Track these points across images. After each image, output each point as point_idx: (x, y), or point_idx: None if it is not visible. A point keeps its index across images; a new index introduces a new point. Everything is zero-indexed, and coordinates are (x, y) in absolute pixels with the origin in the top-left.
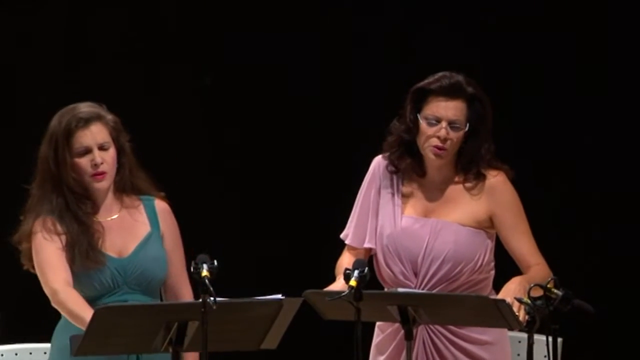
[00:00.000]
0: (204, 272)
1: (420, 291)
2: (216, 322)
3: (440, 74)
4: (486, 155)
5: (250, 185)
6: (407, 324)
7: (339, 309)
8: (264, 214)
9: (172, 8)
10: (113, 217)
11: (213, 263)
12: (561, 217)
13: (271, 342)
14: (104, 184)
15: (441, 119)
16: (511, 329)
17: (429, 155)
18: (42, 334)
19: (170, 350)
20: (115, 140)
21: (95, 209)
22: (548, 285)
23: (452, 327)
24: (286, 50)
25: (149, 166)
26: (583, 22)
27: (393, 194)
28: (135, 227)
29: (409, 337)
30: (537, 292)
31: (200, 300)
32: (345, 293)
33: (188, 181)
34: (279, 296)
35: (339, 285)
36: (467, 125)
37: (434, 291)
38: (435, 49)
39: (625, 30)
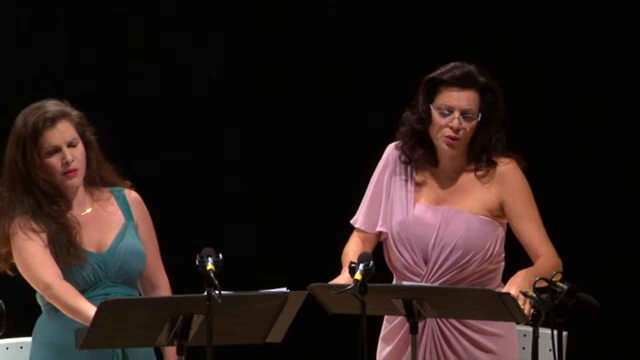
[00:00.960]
0: (209, 266)
1: (425, 284)
2: (221, 315)
3: (452, 64)
4: (497, 145)
5: (253, 178)
6: (412, 318)
7: (344, 303)
8: (269, 207)
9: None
10: (86, 212)
11: (218, 256)
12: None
13: (276, 335)
14: (77, 181)
15: (454, 109)
16: (517, 322)
17: (441, 145)
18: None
19: (176, 343)
20: (82, 136)
21: (69, 205)
22: (553, 279)
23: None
24: (286, 48)
25: (152, 162)
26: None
27: (406, 182)
28: (110, 220)
29: (414, 330)
30: (543, 284)
31: (206, 293)
32: (350, 287)
33: (191, 172)
34: (284, 290)
35: (343, 278)
36: (480, 115)
37: (443, 279)
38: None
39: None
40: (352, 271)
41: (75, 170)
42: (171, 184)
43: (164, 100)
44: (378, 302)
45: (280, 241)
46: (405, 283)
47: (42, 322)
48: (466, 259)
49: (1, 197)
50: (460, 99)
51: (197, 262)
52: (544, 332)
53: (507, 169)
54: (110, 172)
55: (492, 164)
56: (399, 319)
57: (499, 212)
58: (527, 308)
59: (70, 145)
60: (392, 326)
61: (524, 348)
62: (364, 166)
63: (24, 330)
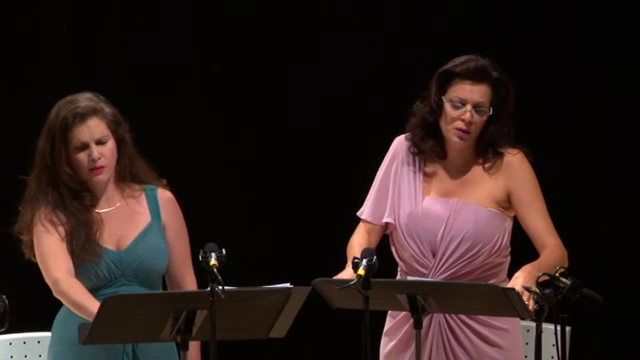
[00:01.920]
0: (212, 261)
1: (429, 279)
2: (224, 310)
3: (465, 57)
4: (505, 138)
5: (255, 173)
6: (416, 313)
7: (348, 298)
8: (272, 203)
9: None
10: (113, 207)
11: (221, 252)
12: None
13: (279, 330)
14: (103, 177)
15: (466, 102)
16: (520, 318)
17: (452, 138)
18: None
19: (179, 339)
20: (114, 133)
21: (95, 200)
22: (556, 275)
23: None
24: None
25: (159, 157)
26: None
27: (415, 174)
28: (135, 218)
29: (418, 325)
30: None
31: (209, 289)
32: (354, 282)
33: (197, 168)
34: (288, 285)
35: (347, 273)
36: (491, 109)
37: (451, 271)
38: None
39: None
40: (356, 266)
41: (102, 167)
42: (172, 183)
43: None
44: (382, 297)
45: (284, 236)
46: (409, 278)
47: (61, 318)
48: (474, 250)
49: (28, 186)
50: (473, 92)
51: (200, 258)
52: (547, 327)
53: (514, 159)
54: (144, 170)
55: (499, 155)
56: (403, 313)
57: (506, 204)
58: (530, 304)
59: (99, 142)
60: (395, 321)
61: (527, 343)
62: (369, 161)
63: (27, 325)
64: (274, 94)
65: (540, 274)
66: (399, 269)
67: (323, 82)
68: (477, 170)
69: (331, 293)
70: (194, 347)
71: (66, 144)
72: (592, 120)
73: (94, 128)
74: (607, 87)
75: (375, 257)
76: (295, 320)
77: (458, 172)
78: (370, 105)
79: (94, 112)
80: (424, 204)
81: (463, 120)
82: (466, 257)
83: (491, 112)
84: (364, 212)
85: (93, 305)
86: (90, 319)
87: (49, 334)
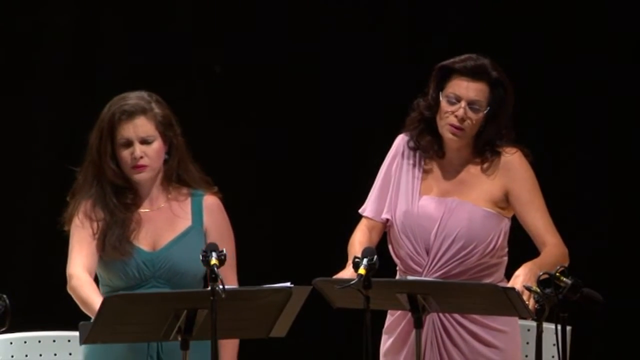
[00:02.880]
0: (213, 260)
1: (430, 279)
2: (225, 310)
3: (467, 55)
4: (504, 138)
5: (255, 174)
6: (416, 312)
7: (348, 297)
8: (273, 203)
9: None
10: (156, 208)
11: (222, 251)
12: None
13: (280, 330)
14: (144, 176)
15: (461, 98)
16: (521, 317)
17: (446, 134)
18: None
19: (179, 338)
20: (162, 134)
21: (138, 199)
22: (557, 274)
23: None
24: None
25: None
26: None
27: (413, 173)
28: (175, 221)
29: (419, 325)
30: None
31: (209, 288)
32: (355, 281)
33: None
34: (288, 284)
35: (348, 273)
36: (488, 108)
37: (444, 270)
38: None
39: None
40: (356, 266)
41: (143, 166)
42: None
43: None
44: (382, 297)
45: (284, 235)
46: (409, 277)
47: None
48: (467, 250)
49: (76, 178)
50: (469, 89)
51: (201, 257)
52: (548, 326)
53: (512, 158)
54: (193, 176)
55: (496, 154)
56: (400, 311)
57: (504, 204)
58: (531, 303)
59: (144, 141)
60: (393, 318)
61: (527, 343)
62: (369, 160)
63: (27, 325)
64: (274, 94)
65: (541, 273)
66: (397, 268)
67: (323, 81)
68: (474, 170)
69: (332, 293)
70: (228, 351)
71: (112, 140)
72: (592, 120)
73: (140, 127)
74: (607, 87)
75: (375, 256)
76: (295, 320)
77: (456, 171)
78: (371, 105)
79: (143, 111)
80: (421, 203)
81: (456, 116)
82: (459, 256)
83: (486, 112)
84: (366, 209)
85: (98, 302)
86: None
87: (49, 333)
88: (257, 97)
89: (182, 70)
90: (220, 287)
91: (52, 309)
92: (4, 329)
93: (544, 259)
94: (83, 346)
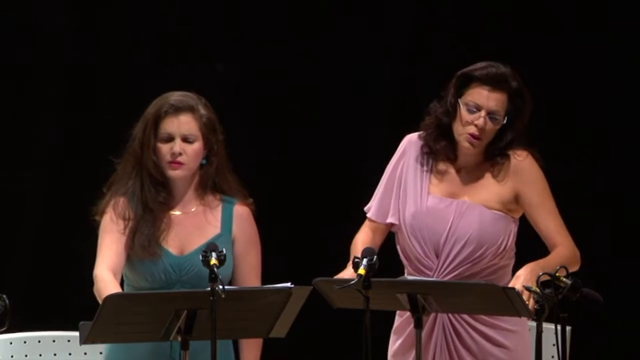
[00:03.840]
0: (213, 261)
1: (429, 279)
2: (225, 310)
3: (486, 62)
4: (514, 144)
5: (255, 172)
6: (416, 312)
7: (348, 298)
8: (272, 202)
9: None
10: (188, 212)
11: (222, 251)
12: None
13: (280, 330)
14: (178, 173)
15: (482, 107)
16: (520, 317)
17: (463, 142)
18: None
19: (179, 338)
20: (204, 137)
21: (171, 200)
22: (557, 274)
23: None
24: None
25: None
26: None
27: (422, 173)
28: (205, 228)
29: (419, 325)
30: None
31: (209, 288)
32: (354, 281)
33: None
34: (288, 284)
35: (348, 273)
36: (505, 118)
37: (455, 273)
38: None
39: None
40: (356, 266)
41: (180, 163)
42: None
43: None
44: (382, 297)
45: (284, 235)
46: (409, 277)
47: None
48: (479, 253)
49: (116, 170)
50: (489, 98)
51: (201, 258)
52: (548, 327)
53: (523, 161)
54: (229, 184)
55: (507, 157)
56: (408, 313)
57: (513, 206)
58: (530, 303)
59: (186, 140)
60: (402, 320)
61: None
62: (371, 160)
63: (27, 325)
64: (274, 94)
65: (541, 273)
66: (405, 270)
67: (324, 81)
68: (484, 172)
69: (332, 293)
70: (252, 352)
71: (155, 132)
72: (593, 120)
73: (184, 124)
74: (607, 87)
75: (375, 256)
76: (295, 320)
77: (466, 173)
78: (371, 105)
79: (190, 109)
80: (429, 203)
81: (476, 125)
82: (470, 259)
83: (505, 122)
84: (370, 210)
85: None
86: None
87: (49, 333)
88: (256, 97)
89: (182, 69)
90: (220, 287)
91: (52, 309)
92: (3, 329)
93: (550, 259)
94: (103, 348)
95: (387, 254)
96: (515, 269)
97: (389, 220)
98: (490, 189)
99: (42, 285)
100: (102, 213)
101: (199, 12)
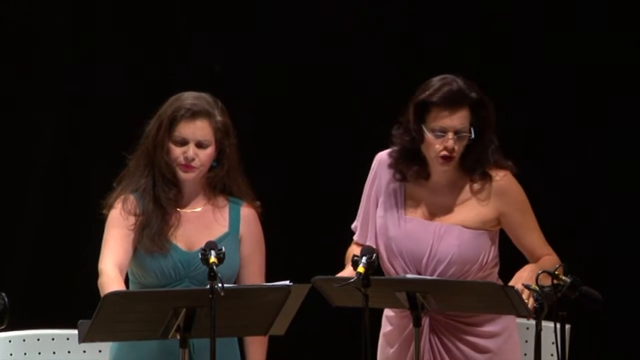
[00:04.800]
0: (212, 259)
1: (429, 277)
2: (224, 308)
3: (439, 81)
4: (492, 156)
5: (256, 173)
6: (415, 311)
7: (347, 296)
8: (272, 201)
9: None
10: (195, 210)
11: (221, 249)
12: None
13: (279, 328)
14: (190, 176)
15: (447, 130)
16: (519, 315)
17: (436, 165)
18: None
19: (178, 336)
20: (218, 141)
21: (180, 198)
22: (556, 272)
23: (457, 319)
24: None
25: None
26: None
27: (397, 195)
28: (213, 226)
29: (417, 323)
30: (547, 280)
31: (208, 286)
32: (353, 279)
33: None
34: (287, 282)
35: (347, 272)
36: (472, 130)
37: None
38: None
39: None
40: (355, 264)
41: (192, 167)
42: None
43: None
44: (381, 295)
45: (284, 234)
46: (408, 276)
47: None
48: (463, 271)
49: (127, 165)
50: (453, 119)
51: (200, 256)
52: (547, 325)
53: (504, 182)
54: (239, 187)
55: (488, 178)
56: (400, 321)
57: (494, 224)
58: (530, 302)
59: (200, 145)
60: (393, 327)
61: (526, 341)
62: (370, 160)
63: (26, 323)
64: (274, 94)
65: (540, 272)
66: None
67: (323, 81)
68: (463, 191)
69: (331, 291)
70: (259, 351)
71: (170, 133)
72: (593, 119)
73: (199, 129)
74: (606, 86)
75: (375, 254)
76: (294, 318)
77: (442, 192)
78: (371, 105)
79: (206, 114)
80: (408, 227)
81: (446, 147)
82: (454, 278)
83: (472, 135)
84: (357, 229)
85: None
86: None
87: (48, 331)
88: (256, 97)
89: (182, 70)
90: (219, 285)
91: (51, 307)
92: (2, 327)
93: (544, 263)
94: (110, 347)
95: None
96: (504, 271)
97: (368, 242)
98: (470, 208)
99: (41, 283)
100: (110, 207)
101: (199, 11)
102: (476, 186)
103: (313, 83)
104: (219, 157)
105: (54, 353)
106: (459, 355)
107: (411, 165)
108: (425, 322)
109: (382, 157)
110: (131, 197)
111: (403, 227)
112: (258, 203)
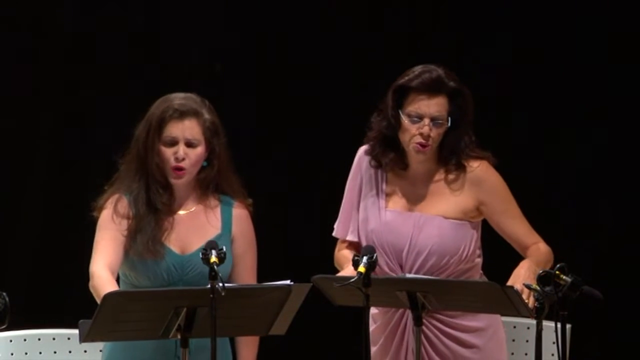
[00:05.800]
0: (213, 258)
1: (429, 277)
2: (225, 308)
3: (419, 68)
4: (467, 148)
5: (254, 170)
6: (416, 310)
7: (348, 295)
8: (272, 201)
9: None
10: (187, 211)
11: (222, 249)
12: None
13: (280, 328)
14: (182, 181)
15: (424, 115)
16: (521, 315)
17: (412, 152)
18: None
19: (179, 336)
20: (207, 141)
21: (173, 202)
22: (557, 272)
23: (442, 317)
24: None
25: None
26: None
27: (377, 188)
28: (205, 227)
29: (418, 323)
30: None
31: (209, 286)
32: (354, 279)
33: None
34: (288, 282)
35: (348, 271)
36: (449, 119)
37: None
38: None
39: None
40: (356, 264)
41: (183, 169)
42: None
43: None
44: (382, 295)
45: (284, 233)
46: (408, 275)
47: None
48: (442, 262)
49: (119, 169)
50: (430, 105)
51: (200, 255)
52: (548, 325)
53: (480, 171)
54: (231, 186)
55: (462, 168)
56: (383, 319)
57: (475, 214)
58: (530, 301)
59: (190, 144)
60: (376, 325)
61: (527, 341)
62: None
63: (27, 322)
64: (273, 94)
65: (541, 271)
66: None
67: (323, 81)
68: (439, 181)
69: (331, 290)
70: (250, 350)
71: (159, 135)
72: (593, 118)
73: (188, 128)
74: (607, 86)
75: (376, 254)
76: (295, 318)
77: (420, 183)
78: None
79: (194, 113)
80: (387, 218)
81: (422, 134)
82: (435, 270)
83: (449, 123)
84: (337, 231)
85: None
86: None
87: (49, 331)
88: (255, 97)
89: (181, 69)
90: (220, 284)
91: (52, 306)
92: (3, 327)
93: (537, 257)
94: (104, 346)
95: None
96: (488, 267)
97: (349, 238)
98: (448, 199)
99: (42, 283)
100: (101, 209)
101: (198, 11)
102: (451, 176)
103: (313, 83)
104: (209, 156)
105: (54, 352)
106: (444, 349)
107: (388, 153)
108: (408, 316)
109: (364, 150)
110: (123, 199)
111: (383, 219)
112: (250, 201)
